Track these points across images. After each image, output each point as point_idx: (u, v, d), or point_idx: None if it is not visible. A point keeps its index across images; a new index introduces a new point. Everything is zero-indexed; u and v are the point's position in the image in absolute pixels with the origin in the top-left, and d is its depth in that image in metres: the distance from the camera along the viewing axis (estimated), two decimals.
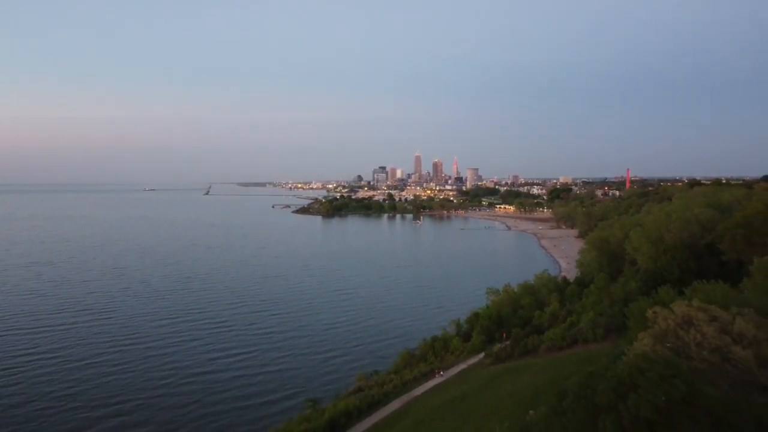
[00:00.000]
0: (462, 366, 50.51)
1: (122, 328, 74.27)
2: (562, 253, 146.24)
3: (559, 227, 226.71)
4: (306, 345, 68.39)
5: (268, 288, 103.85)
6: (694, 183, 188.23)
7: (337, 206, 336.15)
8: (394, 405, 42.05)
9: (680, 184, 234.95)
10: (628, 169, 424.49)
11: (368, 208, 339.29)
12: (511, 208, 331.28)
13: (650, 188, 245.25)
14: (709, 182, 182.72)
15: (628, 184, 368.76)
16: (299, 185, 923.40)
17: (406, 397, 43.43)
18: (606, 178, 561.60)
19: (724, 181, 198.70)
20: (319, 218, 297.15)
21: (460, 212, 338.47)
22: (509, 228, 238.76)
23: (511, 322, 59.76)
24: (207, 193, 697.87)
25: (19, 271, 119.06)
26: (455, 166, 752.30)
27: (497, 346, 50.78)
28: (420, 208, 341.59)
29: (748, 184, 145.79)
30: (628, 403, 13.93)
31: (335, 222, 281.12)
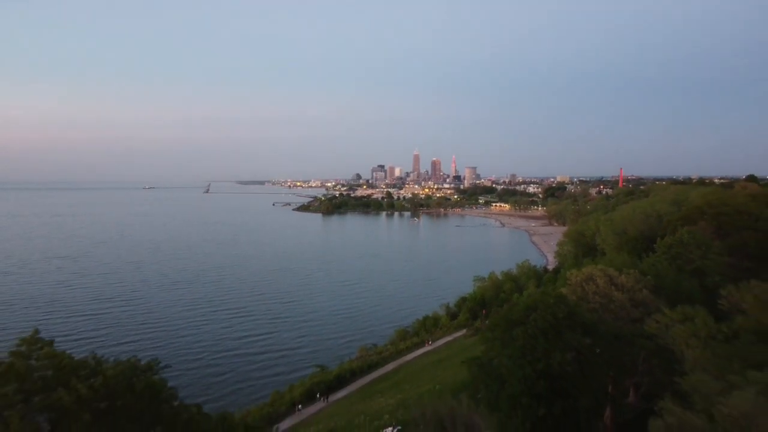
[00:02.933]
0: (448, 338, 59.25)
1: (148, 315, 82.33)
2: (550, 247, 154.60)
3: (551, 224, 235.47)
4: (317, 329, 76.43)
5: (278, 280, 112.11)
6: (676, 182, 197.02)
7: (337, 204, 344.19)
8: (390, 366, 50.75)
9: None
10: (621, 168, 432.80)
11: (367, 206, 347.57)
12: (507, 206, 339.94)
13: (642, 187, 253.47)
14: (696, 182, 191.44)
15: (621, 183, 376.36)
16: (298, 183, 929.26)
17: (399, 361, 52.20)
18: (603, 177, 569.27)
19: (707, 181, 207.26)
20: (319, 216, 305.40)
21: (457, 210, 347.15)
22: (503, 225, 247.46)
23: (493, 303, 68.39)
24: (207, 191, 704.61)
25: (41, 264, 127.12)
26: (453, 165, 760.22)
27: (478, 322, 59.38)
28: (418, 206, 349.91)
29: (729, 183, 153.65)
30: (530, 319, 22.46)
31: (335, 219, 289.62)
